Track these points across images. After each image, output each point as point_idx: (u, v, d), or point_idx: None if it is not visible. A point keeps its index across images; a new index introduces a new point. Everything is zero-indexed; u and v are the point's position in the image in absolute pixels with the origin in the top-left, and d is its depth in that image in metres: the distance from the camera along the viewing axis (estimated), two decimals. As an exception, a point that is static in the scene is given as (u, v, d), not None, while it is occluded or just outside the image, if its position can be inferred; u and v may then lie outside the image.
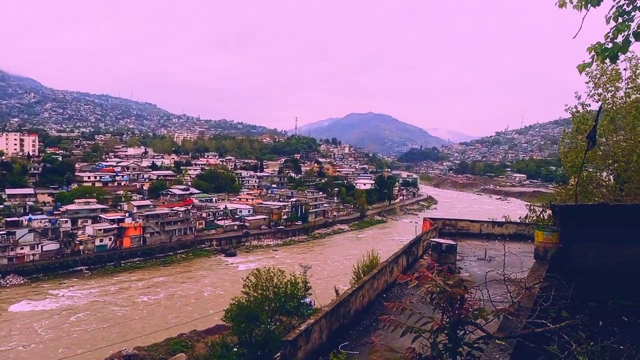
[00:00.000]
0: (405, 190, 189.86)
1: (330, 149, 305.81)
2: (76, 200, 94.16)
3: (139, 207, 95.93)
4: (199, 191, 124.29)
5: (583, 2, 4.47)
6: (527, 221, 24.33)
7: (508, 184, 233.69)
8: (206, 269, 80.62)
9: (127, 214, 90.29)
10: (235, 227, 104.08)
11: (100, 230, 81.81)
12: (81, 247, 78.03)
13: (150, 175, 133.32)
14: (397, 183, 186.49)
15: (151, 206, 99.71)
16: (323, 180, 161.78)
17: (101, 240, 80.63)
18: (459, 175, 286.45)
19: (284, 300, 31.87)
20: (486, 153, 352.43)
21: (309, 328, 8.88)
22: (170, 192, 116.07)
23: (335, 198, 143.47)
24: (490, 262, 17.33)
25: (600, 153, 18.43)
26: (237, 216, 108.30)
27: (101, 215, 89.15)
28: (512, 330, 4.68)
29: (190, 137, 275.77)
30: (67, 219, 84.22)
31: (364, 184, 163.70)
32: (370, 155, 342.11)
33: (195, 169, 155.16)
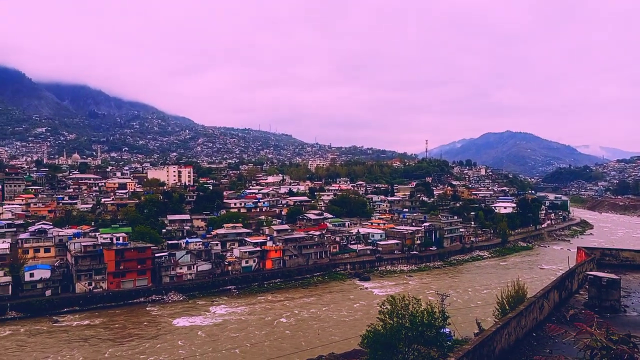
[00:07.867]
0: (553, 214, 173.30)
1: (464, 171, 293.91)
2: (225, 225, 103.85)
3: (278, 231, 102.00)
4: (332, 216, 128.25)
5: None
6: None
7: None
8: (342, 292, 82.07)
9: (268, 238, 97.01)
10: (368, 252, 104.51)
11: (245, 252, 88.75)
12: (229, 268, 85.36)
13: (287, 201, 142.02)
14: (543, 206, 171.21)
15: (289, 230, 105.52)
16: (458, 204, 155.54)
17: (247, 262, 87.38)
18: (619, 197, 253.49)
19: (421, 329, 30.81)
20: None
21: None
22: (306, 217, 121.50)
23: (472, 223, 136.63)
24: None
25: None
26: (369, 240, 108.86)
27: (246, 239, 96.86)
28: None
29: (323, 164, 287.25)
30: (217, 242, 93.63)
31: (504, 208, 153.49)
32: (510, 176, 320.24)
33: (328, 194, 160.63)
